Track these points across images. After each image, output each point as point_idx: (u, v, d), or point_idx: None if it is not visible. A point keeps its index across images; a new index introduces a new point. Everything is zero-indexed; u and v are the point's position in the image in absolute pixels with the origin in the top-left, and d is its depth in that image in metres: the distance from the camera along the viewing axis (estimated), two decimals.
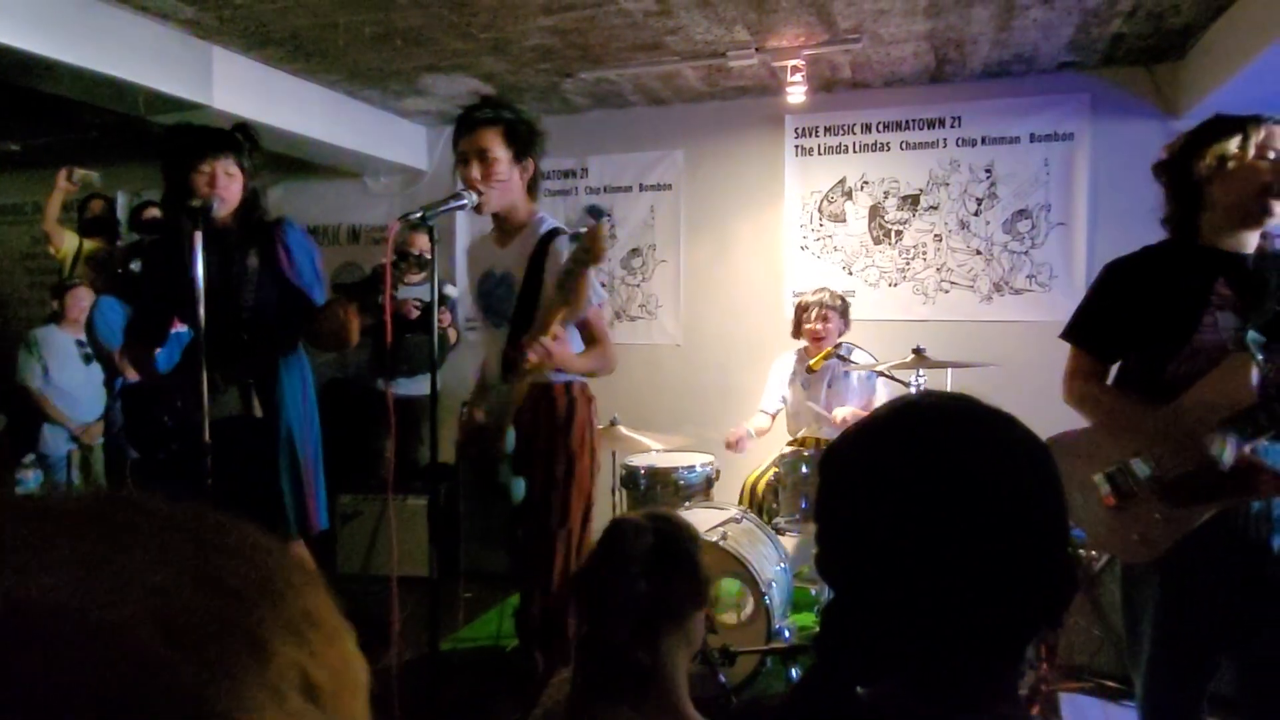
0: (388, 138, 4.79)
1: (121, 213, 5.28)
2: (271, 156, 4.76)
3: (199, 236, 2.37)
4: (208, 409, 2.34)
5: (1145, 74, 3.90)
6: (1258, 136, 1.78)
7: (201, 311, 2.33)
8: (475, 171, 2.28)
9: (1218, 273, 1.84)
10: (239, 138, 2.60)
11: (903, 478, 0.74)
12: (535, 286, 2.26)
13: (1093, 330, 1.98)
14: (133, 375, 3.65)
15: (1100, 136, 3.96)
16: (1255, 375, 1.74)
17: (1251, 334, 1.79)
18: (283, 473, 2.58)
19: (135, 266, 3.12)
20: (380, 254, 4.07)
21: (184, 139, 2.58)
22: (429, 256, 2.32)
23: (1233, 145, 1.79)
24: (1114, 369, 2.01)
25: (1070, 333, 2.00)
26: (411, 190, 5.11)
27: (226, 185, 2.53)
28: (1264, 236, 1.88)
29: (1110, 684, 2.88)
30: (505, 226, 2.39)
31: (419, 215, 2.12)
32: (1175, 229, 1.93)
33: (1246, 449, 1.73)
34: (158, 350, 2.79)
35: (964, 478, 0.73)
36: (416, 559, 3.84)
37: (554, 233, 2.29)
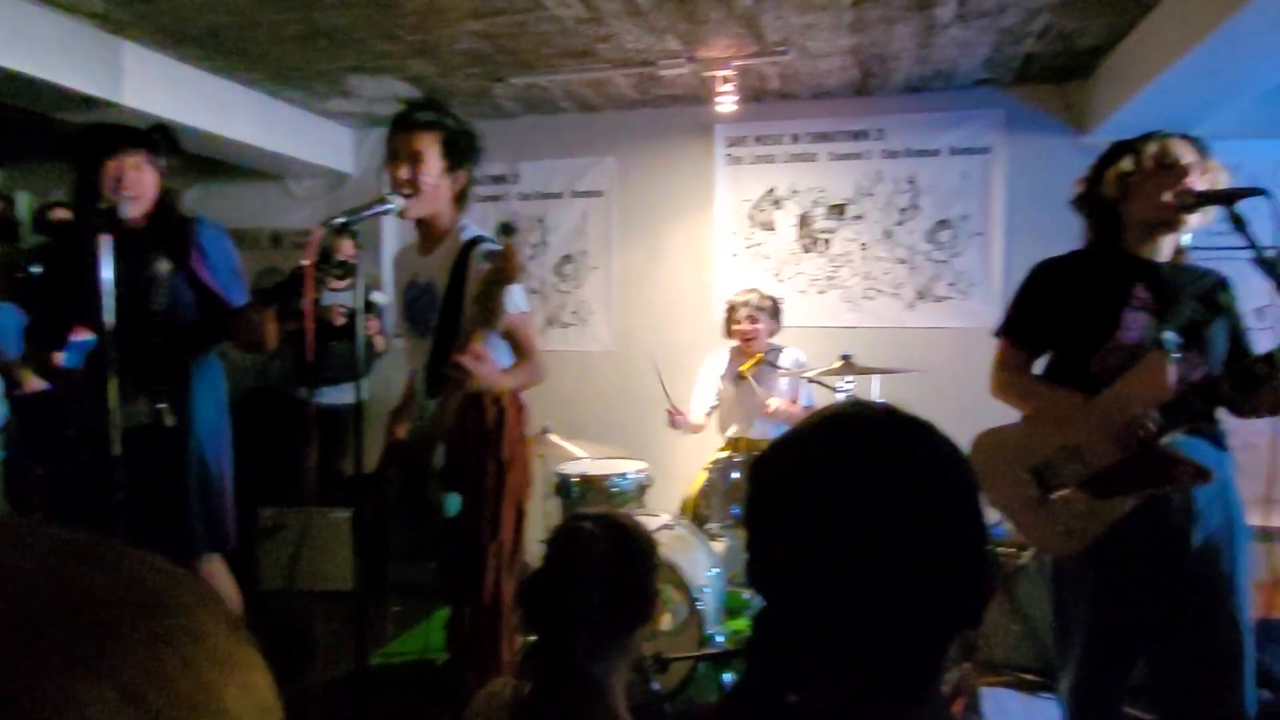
0: (311, 139, 4.66)
1: (24, 214, 5.00)
2: (188, 157, 4.58)
3: (107, 239, 2.28)
4: (117, 418, 2.25)
5: (1056, 91, 4.08)
6: (1153, 150, 1.91)
7: (108, 316, 2.23)
8: (404, 172, 2.22)
9: (1136, 277, 1.96)
10: (155, 136, 2.50)
11: (827, 485, 0.76)
12: (457, 296, 2.22)
13: (1022, 324, 2.09)
14: (33, 385, 3.45)
15: (1015, 151, 4.13)
16: (1172, 373, 1.83)
17: (1168, 335, 1.90)
18: (192, 487, 2.48)
19: (36, 270, 2.95)
20: (300, 258, 3.96)
21: (97, 137, 2.47)
22: (354, 261, 2.27)
23: (1129, 163, 1.91)
24: (1042, 367, 2.11)
25: (1002, 328, 2.11)
26: (336, 194, 4.98)
27: (139, 183, 2.43)
28: (1179, 251, 2.01)
29: (1029, 677, 2.98)
30: (430, 234, 2.33)
31: (342, 220, 2.07)
32: (1096, 241, 2.05)
33: (1165, 441, 1.82)
34: (59, 356, 2.67)
35: (885, 485, 0.75)
36: (342, 573, 3.73)
37: (475, 241, 2.24)
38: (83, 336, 2.70)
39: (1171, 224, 1.92)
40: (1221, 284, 2.01)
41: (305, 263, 2.14)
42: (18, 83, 3.20)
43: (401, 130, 2.24)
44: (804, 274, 4.41)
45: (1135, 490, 1.83)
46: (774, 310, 3.86)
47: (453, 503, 2.19)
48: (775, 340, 3.90)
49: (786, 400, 3.77)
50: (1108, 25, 3.35)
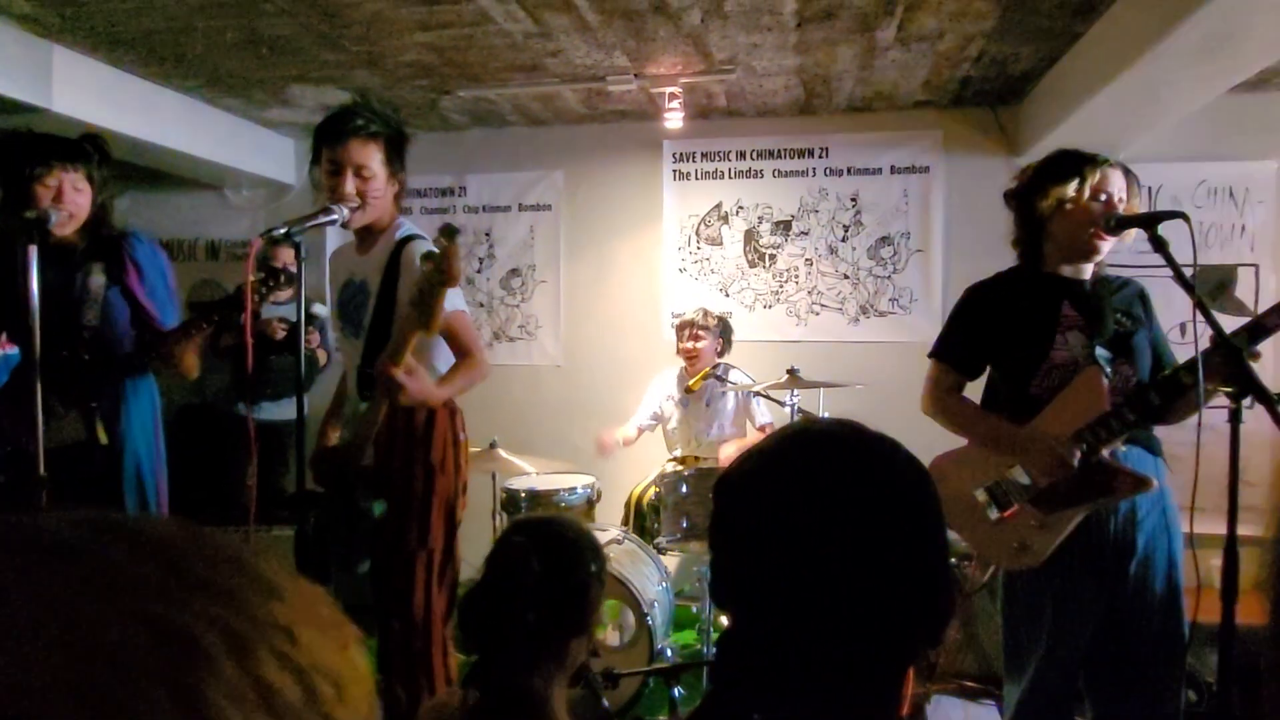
0: (251, 149, 4.55)
1: None
2: (120, 165, 4.44)
3: (34, 250, 2.20)
4: (43, 436, 2.15)
5: (991, 114, 4.23)
6: (1093, 179, 1.98)
7: (36, 330, 2.13)
8: (350, 186, 2.14)
9: (1062, 297, 2.05)
10: (88, 148, 2.42)
11: (793, 504, 0.76)
12: (390, 296, 2.17)
13: (956, 347, 2.15)
14: None
15: (952, 170, 4.26)
16: (1106, 387, 1.92)
17: (1099, 350, 1.98)
18: (129, 507, 2.40)
19: None
20: (242, 271, 3.86)
21: (27, 147, 2.36)
22: (295, 270, 2.14)
23: (1070, 189, 1.98)
24: (983, 388, 2.18)
25: (935, 349, 2.17)
26: (277, 204, 4.87)
27: (74, 199, 2.35)
28: (1098, 264, 2.10)
29: (970, 684, 3.05)
30: (367, 234, 2.28)
31: (283, 231, 2.02)
32: (1022, 255, 2.13)
33: (1105, 453, 1.90)
34: None
35: (852, 503, 0.76)
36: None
37: (408, 239, 2.19)
38: (6, 350, 2.59)
39: (1090, 253, 2.02)
40: (1141, 294, 2.13)
41: (250, 278, 2.10)
42: None
43: (337, 141, 2.14)
44: (751, 289, 4.47)
45: (1082, 503, 1.91)
46: (722, 329, 3.90)
47: (378, 508, 2.14)
48: (724, 360, 3.94)
49: (737, 440, 3.80)
50: (1039, 53, 3.49)
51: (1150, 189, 4.06)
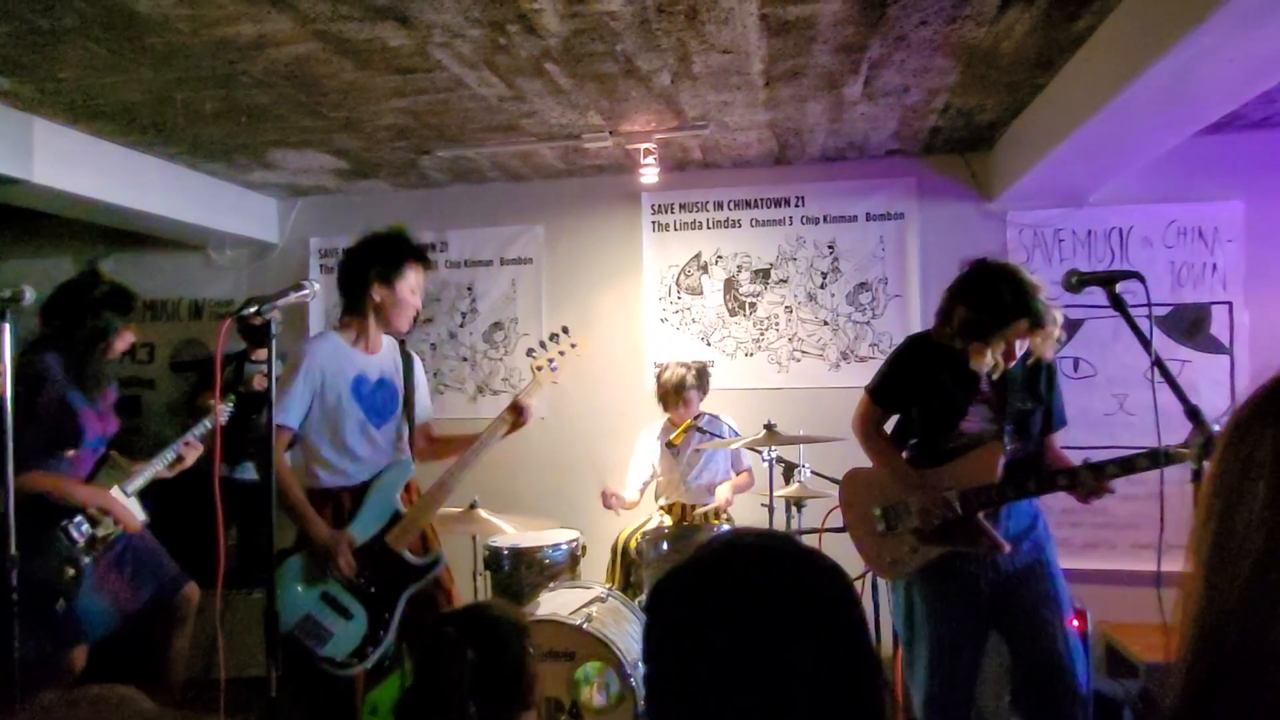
0: (234, 210, 4.59)
1: None
2: (102, 228, 4.48)
3: (6, 328, 2.27)
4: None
5: (962, 161, 4.30)
6: (996, 348, 2.22)
7: (8, 405, 2.25)
8: (419, 303, 2.74)
9: (980, 375, 2.34)
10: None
11: (721, 620, 0.77)
12: (410, 390, 2.78)
13: (885, 391, 2.55)
14: None
15: (927, 216, 4.32)
16: (1001, 464, 2.31)
17: (1007, 429, 2.35)
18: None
19: None
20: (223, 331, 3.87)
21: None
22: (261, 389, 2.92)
23: (971, 344, 2.24)
24: (900, 419, 2.61)
25: (870, 386, 2.60)
26: (260, 262, 4.91)
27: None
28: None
29: None
30: (367, 338, 2.69)
31: (254, 310, 2.06)
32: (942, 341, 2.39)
33: (980, 515, 2.31)
34: None
35: (779, 618, 0.77)
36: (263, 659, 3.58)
37: (409, 353, 2.84)
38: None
39: (998, 372, 2.31)
40: (1050, 371, 2.43)
41: (217, 360, 2.19)
42: None
43: (425, 267, 2.73)
44: (732, 337, 4.49)
45: (948, 545, 2.35)
46: (700, 376, 3.92)
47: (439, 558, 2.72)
48: (710, 408, 3.96)
49: (730, 479, 3.82)
50: (1003, 104, 3.56)
51: (1121, 231, 4.12)
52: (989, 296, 2.21)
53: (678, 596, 0.81)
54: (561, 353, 2.85)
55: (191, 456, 2.97)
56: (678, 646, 0.79)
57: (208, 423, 2.99)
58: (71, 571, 2.72)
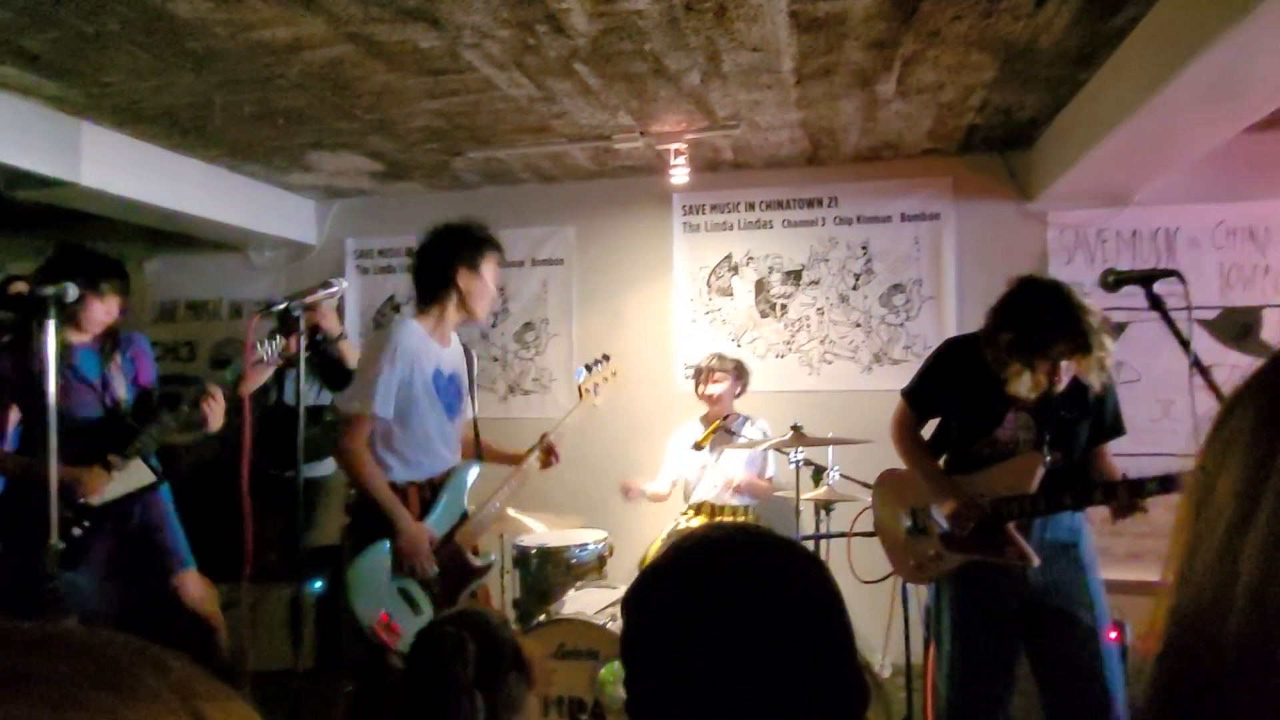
0: (273, 212, 4.68)
1: None
2: (147, 230, 4.59)
3: (50, 325, 2.32)
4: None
5: (1000, 160, 4.21)
6: (1041, 369, 2.12)
7: (51, 396, 2.28)
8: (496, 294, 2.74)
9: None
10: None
11: (696, 614, 0.76)
12: (472, 389, 2.81)
13: (921, 394, 2.48)
14: None
15: (963, 217, 4.24)
16: (1039, 476, 2.20)
17: (1047, 439, 2.23)
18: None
19: None
20: (261, 329, 3.95)
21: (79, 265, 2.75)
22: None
23: (1015, 364, 2.14)
24: (938, 423, 2.53)
25: (906, 390, 2.53)
26: (298, 263, 5.00)
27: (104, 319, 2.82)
28: None
29: None
30: (443, 329, 2.66)
31: (282, 305, 2.09)
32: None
33: (1011, 525, 2.22)
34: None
35: (752, 607, 0.76)
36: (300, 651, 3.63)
37: (469, 348, 2.86)
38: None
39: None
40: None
41: (247, 350, 2.20)
42: None
43: (496, 260, 2.74)
44: (762, 339, 4.46)
45: (975, 553, 2.28)
46: (739, 372, 3.91)
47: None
48: (742, 409, 3.93)
49: (750, 474, 3.79)
50: (1043, 101, 3.48)
51: (1167, 231, 4.00)
52: (1032, 317, 2.10)
53: (653, 594, 0.81)
54: (605, 378, 3.00)
55: (215, 413, 2.78)
56: (655, 644, 0.78)
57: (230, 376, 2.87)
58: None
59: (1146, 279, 1.91)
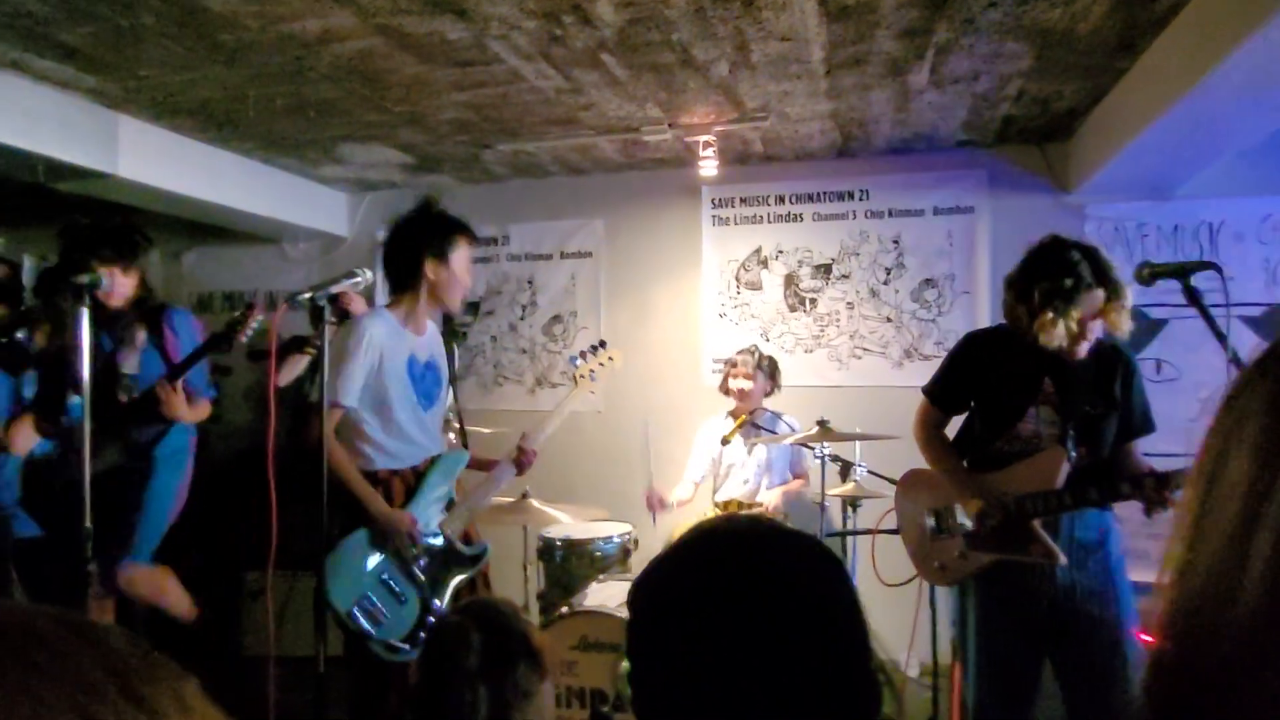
0: (306, 204, 4.74)
1: (27, 278, 5.09)
2: (185, 223, 4.68)
3: (84, 311, 2.41)
4: (89, 464, 2.40)
5: (1037, 151, 4.11)
6: (1076, 315, 2.10)
7: (86, 378, 2.40)
8: (469, 281, 2.74)
9: (1045, 373, 2.24)
10: (138, 240, 2.93)
11: (705, 606, 0.74)
12: (452, 376, 2.81)
13: (943, 390, 2.47)
14: (19, 449, 3.48)
15: (998, 210, 4.15)
16: (1064, 472, 2.16)
17: (1070, 434, 2.21)
18: (151, 520, 2.95)
19: (21, 336, 3.06)
20: (296, 321, 4.01)
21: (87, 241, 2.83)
22: (317, 341, 2.69)
23: (1049, 314, 2.12)
24: (962, 422, 2.50)
25: (927, 387, 2.52)
26: (331, 255, 5.06)
27: (120, 291, 2.87)
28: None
29: None
30: (418, 317, 2.66)
31: (308, 295, 2.11)
32: (1015, 325, 2.26)
33: (1036, 523, 2.17)
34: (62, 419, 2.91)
35: (765, 601, 0.73)
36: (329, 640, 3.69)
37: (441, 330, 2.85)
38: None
39: (1071, 357, 2.18)
40: (1126, 366, 2.26)
41: (271, 344, 2.26)
42: (13, 157, 3.28)
43: (473, 243, 2.70)
44: (791, 333, 4.41)
45: (999, 552, 2.24)
46: (770, 368, 3.86)
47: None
48: (772, 405, 3.89)
49: (778, 493, 3.72)
50: (1082, 89, 3.39)
51: (1211, 226, 3.88)
52: (1065, 262, 2.12)
53: (660, 585, 0.79)
54: (601, 364, 2.98)
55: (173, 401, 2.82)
56: (660, 637, 0.76)
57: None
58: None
59: (1183, 272, 1.85)
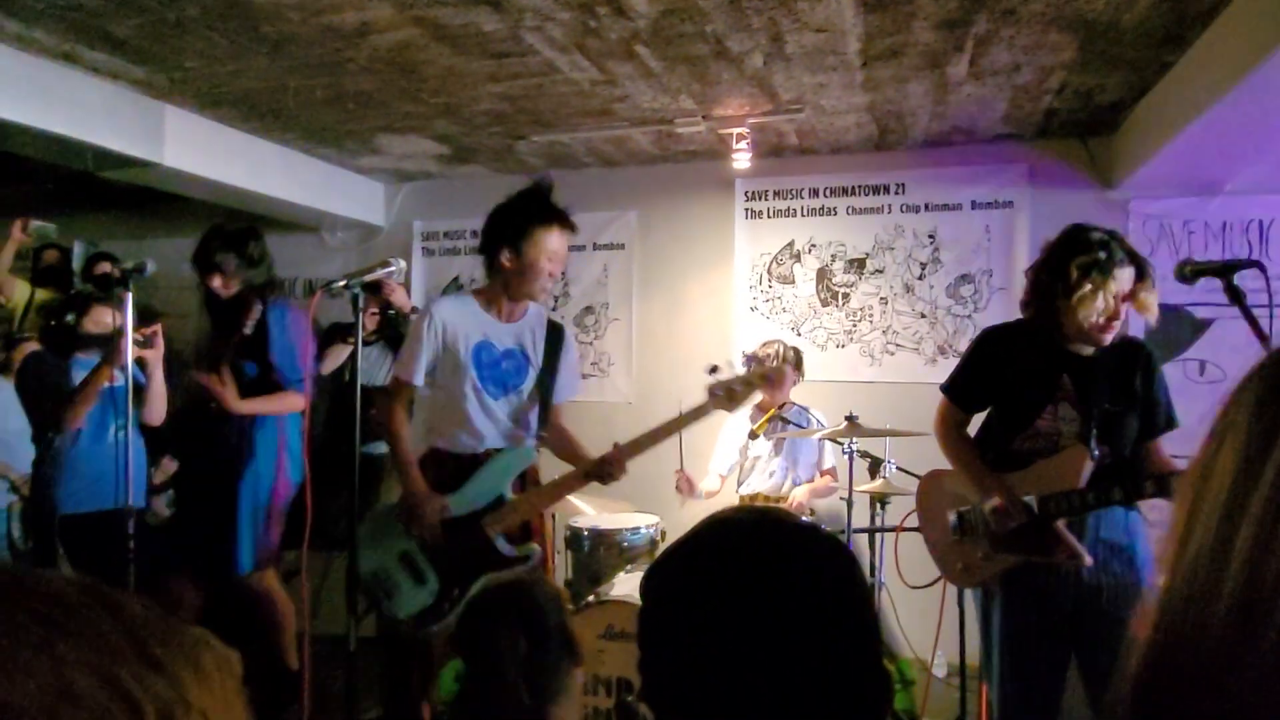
0: (344, 194, 4.81)
1: (77, 263, 5.24)
2: (226, 210, 4.78)
3: (129, 296, 2.50)
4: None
5: (1080, 146, 4.03)
6: (1106, 291, 2.07)
7: (129, 359, 2.65)
8: (557, 270, 2.60)
9: (1063, 370, 2.20)
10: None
11: (714, 598, 0.75)
12: (553, 369, 2.66)
13: (961, 388, 2.40)
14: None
15: (1038, 205, 4.07)
16: (1087, 470, 2.12)
17: (1092, 433, 2.16)
18: (251, 498, 3.19)
19: (70, 319, 3.16)
20: (335, 309, 4.09)
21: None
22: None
23: (1087, 288, 2.07)
24: (982, 422, 2.43)
25: (945, 385, 2.44)
26: (368, 244, 5.13)
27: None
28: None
29: None
30: (504, 303, 2.62)
31: (342, 283, 2.15)
32: (1034, 318, 2.24)
33: (1061, 523, 2.13)
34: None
35: (776, 593, 0.74)
36: (364, 620, 3.76)
37: (559, 326, 2.76)
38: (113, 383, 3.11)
39: (1099, 343, 2.15)
40: (1146, 362, 2.22)
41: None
42: (65, 145, 3.39)
43: (562, 229, 2.59)
44: (823, 328, 4.38)
45: (1023, 553, 2.18)
46: (796, 361, 3.84)
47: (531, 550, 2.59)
48: (800, 398, 3.87)
49: (805, 490, 3.69)
50: (1127, 82, 3.32)
51: (1261, 223, 3.78)
52: (1096, 241, 2.10)
53: (670, 575, 0.79)
54: (743, 386, 2.60)
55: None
56: (669, 627, 0.77)
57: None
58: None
59: (1225, 270, 1.80)
